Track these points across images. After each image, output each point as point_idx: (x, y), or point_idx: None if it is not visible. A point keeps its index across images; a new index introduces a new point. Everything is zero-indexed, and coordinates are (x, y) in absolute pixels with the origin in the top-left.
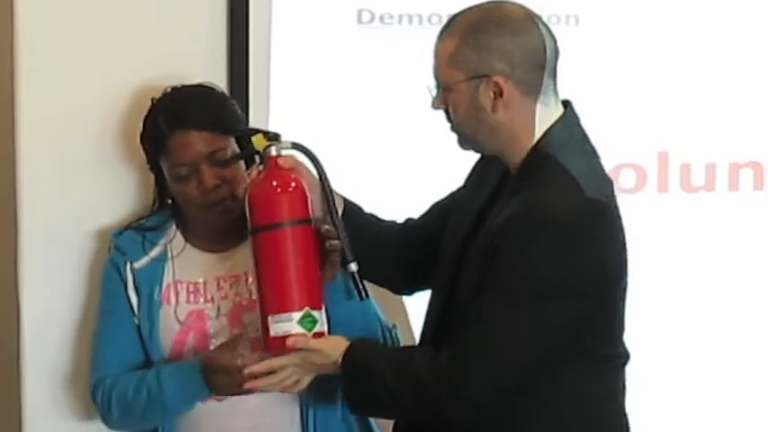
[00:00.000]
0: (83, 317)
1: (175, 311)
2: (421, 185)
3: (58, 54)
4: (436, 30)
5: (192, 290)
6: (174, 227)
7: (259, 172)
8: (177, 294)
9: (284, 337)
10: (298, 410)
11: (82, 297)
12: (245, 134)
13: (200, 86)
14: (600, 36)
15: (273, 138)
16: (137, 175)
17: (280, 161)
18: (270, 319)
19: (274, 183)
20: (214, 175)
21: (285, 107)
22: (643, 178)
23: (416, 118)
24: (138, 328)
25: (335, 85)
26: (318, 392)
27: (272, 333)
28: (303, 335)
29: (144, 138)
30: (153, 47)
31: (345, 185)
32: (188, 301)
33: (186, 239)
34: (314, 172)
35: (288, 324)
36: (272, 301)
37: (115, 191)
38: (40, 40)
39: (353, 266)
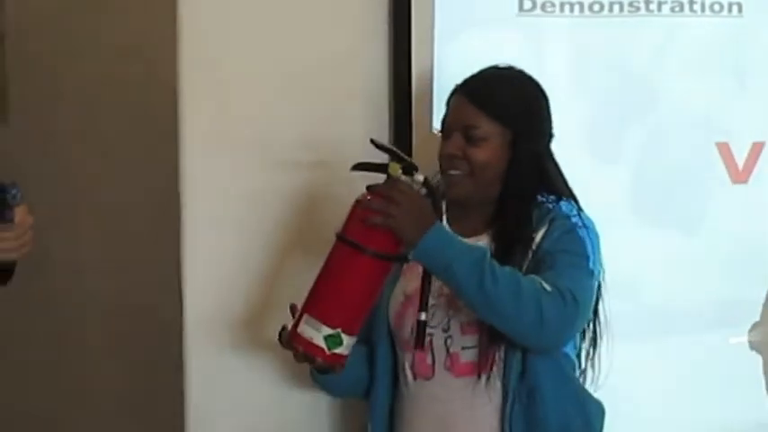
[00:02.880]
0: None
1: (406, 285)
2: (585, 174)
3: (220, 48)
4: (598, 18)
5: None
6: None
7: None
8: (414, 266)
9: (305, 340)
10: (500, 401)
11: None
12: (386, 151)
13: (511, 73)
14: (763, 24)
15: (410, 170)
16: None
17: None
18: (305, 316)
19: None
20: (458, 146)
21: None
22: None
23: (577, 107)
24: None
25: None
26: (523, 386)
27: (298, 329)
28: (321, 349)
29: None
30: (314, 49)
31: None
32: (419, 275)
33: (447, 217)
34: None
35: (315, 333)
36: (317, 303)
37: (275, 185)
38: (204, 31)
39: (423, 316)
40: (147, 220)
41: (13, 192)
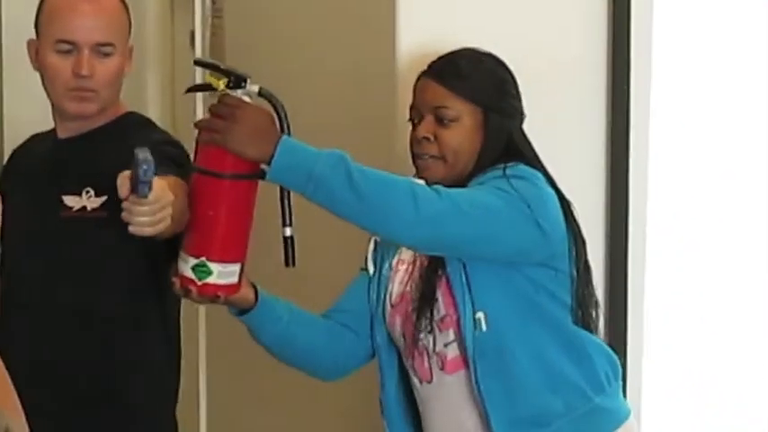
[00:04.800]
0: None
1: (391, 295)
2: None
3: (436, 25)
4: None
5: (409, 270)
6: None
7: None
8: (396, 273)
9: (179, 275)
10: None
11: None
12: (209, 67)
13: (476, 53)
14: None
15: (237, 82)
16: None
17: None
18: (180, 254)
19: None
20: (429, 129)
21: (667, 76)
22: None
23: None
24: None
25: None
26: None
27: (177, 267)
28: (192, 280)
29: None
30: (530, 24)
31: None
32: (401, 282)
33: None
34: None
35: (183, 265)
36: (184, 239)
37: None
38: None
39: (287, 232)
40: None
41: (144, 167)
